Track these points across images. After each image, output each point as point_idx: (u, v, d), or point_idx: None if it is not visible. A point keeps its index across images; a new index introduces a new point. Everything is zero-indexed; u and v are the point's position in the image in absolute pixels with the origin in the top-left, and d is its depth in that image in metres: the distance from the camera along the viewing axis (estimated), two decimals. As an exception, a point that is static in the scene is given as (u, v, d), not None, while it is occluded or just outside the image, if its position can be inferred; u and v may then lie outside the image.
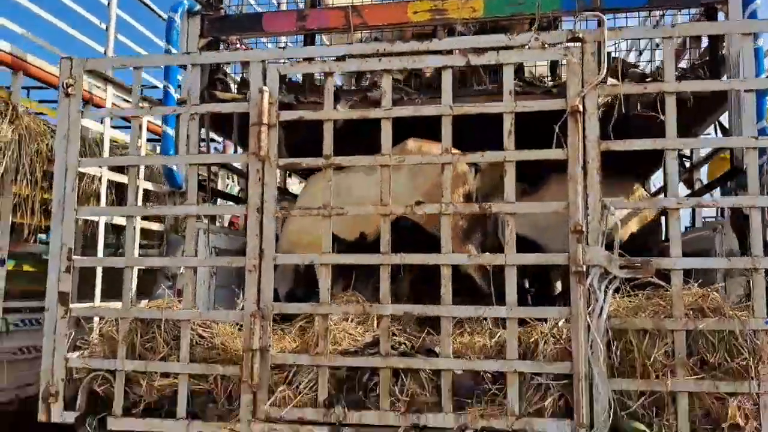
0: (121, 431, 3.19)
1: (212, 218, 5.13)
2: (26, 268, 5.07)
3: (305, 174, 6.15)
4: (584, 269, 2.87)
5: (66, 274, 3.34)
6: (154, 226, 4.77)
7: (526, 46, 3.09)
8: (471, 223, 4.27)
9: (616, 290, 2.90)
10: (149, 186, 4.45)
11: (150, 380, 3.23)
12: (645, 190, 5.34)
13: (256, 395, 3.10)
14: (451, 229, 3.10)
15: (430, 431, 2.97)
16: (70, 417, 3.25)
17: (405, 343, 3.22)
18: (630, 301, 3.00)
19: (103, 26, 6.63)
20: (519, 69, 4.54)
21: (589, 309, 2.85)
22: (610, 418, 2.78)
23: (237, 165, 5.66)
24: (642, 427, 2.73)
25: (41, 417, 3.27)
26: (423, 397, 3.03)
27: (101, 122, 4.52)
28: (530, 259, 3.08)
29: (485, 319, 3.35)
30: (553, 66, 5.22)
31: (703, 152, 5.37)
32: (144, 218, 4.11)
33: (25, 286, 5.02)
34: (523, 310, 3.00)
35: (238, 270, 4.33)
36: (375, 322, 3.59)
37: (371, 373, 3.12)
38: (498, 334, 3.24)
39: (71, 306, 3.34)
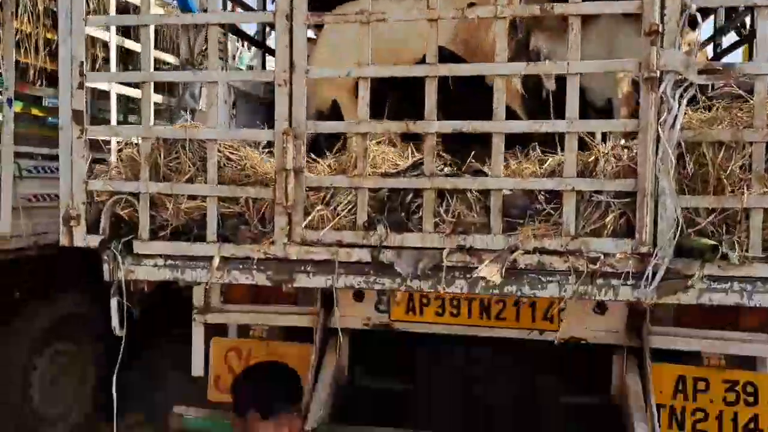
0: (148, 254, 3.03)
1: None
2: (34, 111, 4.79)
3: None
4: (657, 75, 2.56)
5: (79, 90, 3.06)
6: (168, 57, 4.42)
7: None
8: (514, 55, 3.91)
9: (691, 100, 2.61)
10: (161, 11, 4.07)
11: (176, 203, 3.03)
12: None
13: (291, 217, 2.90)
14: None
15: (476, 253, 2.78)
16: (93, 240, 3.07)
17: (450, 165, 2.98)
18: (705, 114, 2.71)
19: None
20: None
21: (661, 120, 2.57)
22: (676, 237, 2.57)
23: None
24: (711, 242, 2.53)
25: (63, 241, 3.10)
26: (470, 218, 2.82)
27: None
28: (596, 66, 2.76)
29: (534, 149, 3.10)
30: None
31: None
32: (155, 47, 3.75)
33: (36, 131, 4.77)
34: (583, 123, 2.72)
35: (261, 114, 4.05)
36: (410, 155, 3.35)
37: (414, 194, 2.90)
38: (548, 161, 3.00)
39: (86, 126, 3.09)
